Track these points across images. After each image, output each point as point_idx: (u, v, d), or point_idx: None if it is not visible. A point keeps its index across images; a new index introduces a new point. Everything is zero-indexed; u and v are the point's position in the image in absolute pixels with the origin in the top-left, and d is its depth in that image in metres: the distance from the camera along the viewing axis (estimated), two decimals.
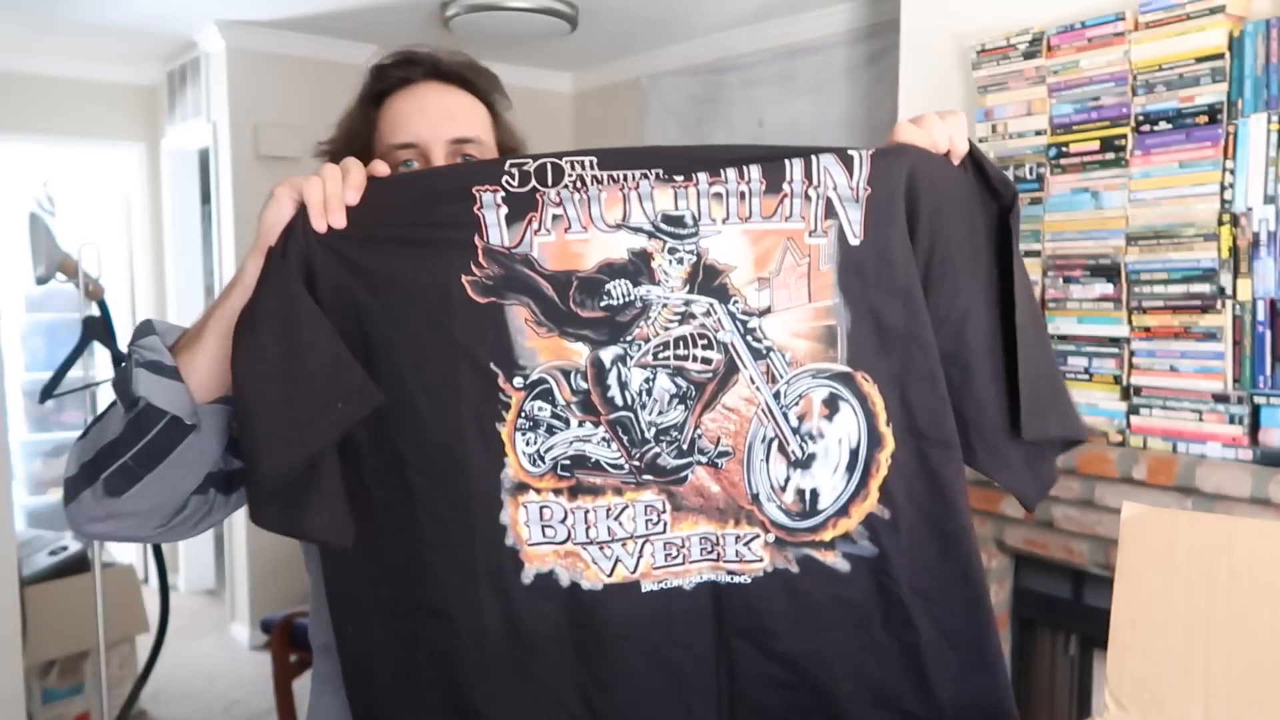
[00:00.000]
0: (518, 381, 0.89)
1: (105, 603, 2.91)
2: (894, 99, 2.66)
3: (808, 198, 0.90)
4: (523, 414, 0.89)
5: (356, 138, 1.13)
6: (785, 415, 0.92)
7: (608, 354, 0.90)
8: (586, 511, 0.90)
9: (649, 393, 0.90)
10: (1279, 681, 1.00)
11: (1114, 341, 2.04)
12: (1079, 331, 2.10)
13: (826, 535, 0.93)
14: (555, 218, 0.88)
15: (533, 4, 3.39)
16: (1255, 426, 1.83)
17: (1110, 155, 2.04)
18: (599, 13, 3.56)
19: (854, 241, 0.91)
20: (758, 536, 0.92)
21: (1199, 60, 1.89)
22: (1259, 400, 1.83)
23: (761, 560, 0.93)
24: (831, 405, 0.92)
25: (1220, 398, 1.86)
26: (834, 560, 0.93)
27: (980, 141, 2.29)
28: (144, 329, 0.92)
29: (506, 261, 0.88)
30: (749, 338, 0.91)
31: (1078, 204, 2.10)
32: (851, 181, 0.91)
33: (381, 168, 0.90)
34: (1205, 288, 1.89)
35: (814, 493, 0.92)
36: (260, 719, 3.41)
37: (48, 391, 2.86)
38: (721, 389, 0.91)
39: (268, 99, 3.92)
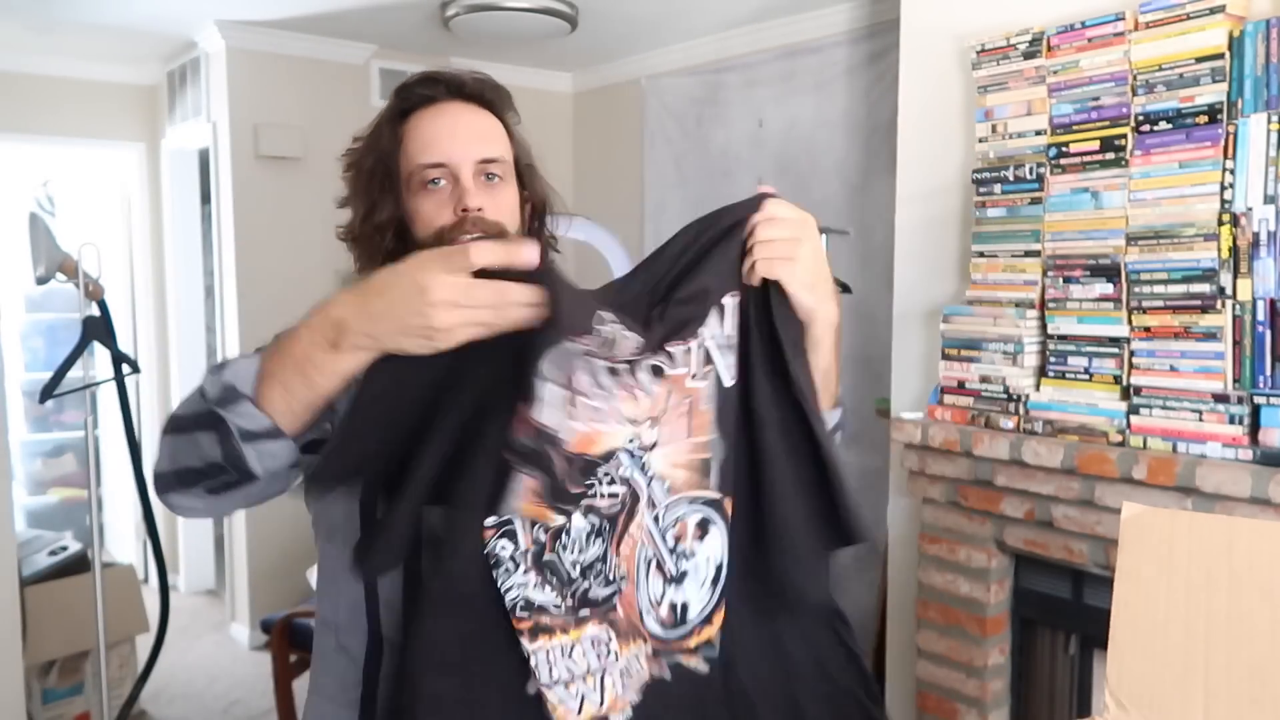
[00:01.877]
0: (489, 520, 0.91)
1: (105, 603, 2.91)
2: (894, 99, 2.66)
3: (690, 348, 0.99)
4: (488, 549, 0.91)
5: (382, 154, 1.16)
6: (664, 536, 0.99)
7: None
8: (546, 652, 0.93)
9: (568, 533, 0.94)
10: (1279, 681, 1.00)
11: (1114, 341, 2.04)
12: (1079, 331, 2.10)
13: (692, 642, 1.01)
14: (594, 410, 0.92)
15: (533, 4, 3.39)
16: (1255, 426, 1.83)
17: (1110, 155, 2.04)
18: (599, 13, 3.56)
19: (728, 384, 1.00)
20: (643, 650, 0.99)
21: (1199, 60, 1.89)
22: (1259, 400, 1.83)
23: (643, 671, 0.98)
24: (703, 527, 1.01)
25: (1220, 398, 1.86)
26: (695, 664, 1.01)
27: (980, 142, 2.29)
28: (230, 394, 0.89)
29: (539, 440, 0.90)
30: (641, 470, 0.97)
31: (1078, 204, 2.10)
32: (723, 330, 1.00)
33: (526, 254, 0.83)
34: (1205, 288, 1.89)
35: (684, 606, 1.00)
36: (260, 719, 3.41)
37: (48, 391, 2.86)
38: (630, 519, 0.97)
39: (268, 99, 3.92)
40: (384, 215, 1.13)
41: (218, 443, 0.89)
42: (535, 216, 1.23)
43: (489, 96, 1.20)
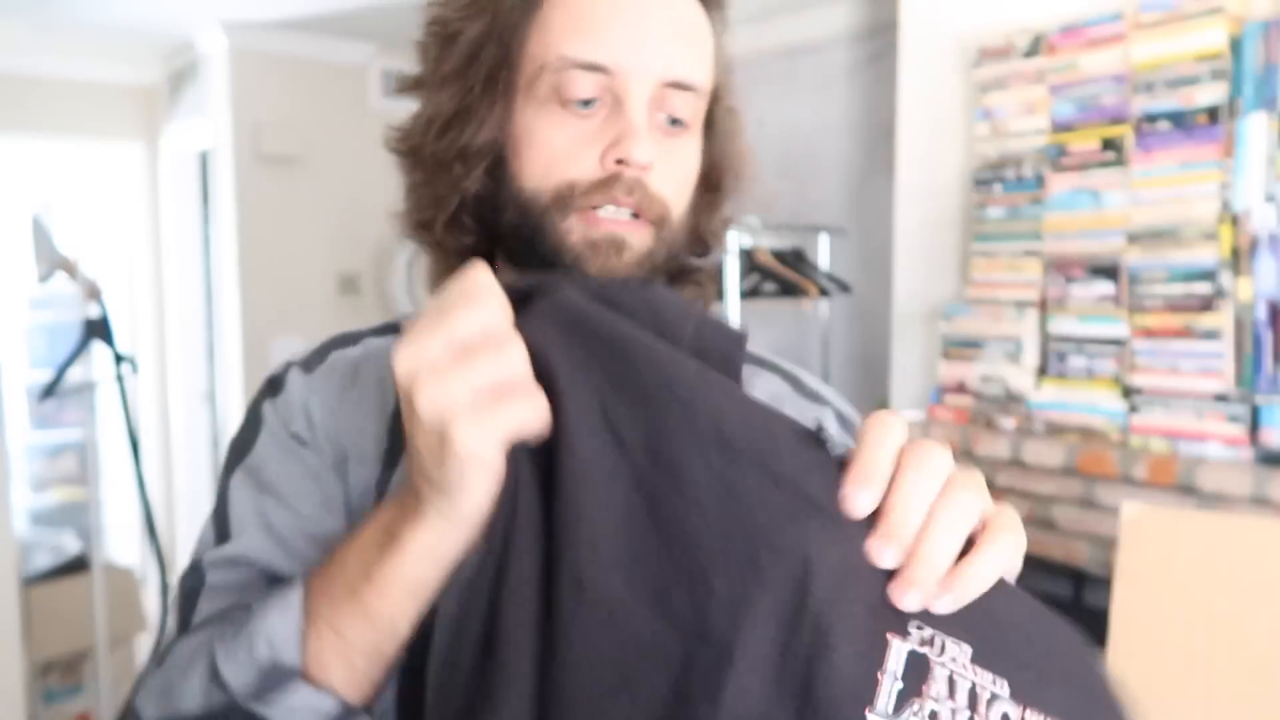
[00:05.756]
0: None
1: (105, 603, 2.91)
2: (894, 99, 2.66)
3: None
4: None
5: (500, 24, 0.65)
6: None
7: None
8: None
9: None
10: (1279, 681, 1.00)
11: (1114, 341, 2.04)
12: (1079, 331, 2.10)
13: None
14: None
15: None
16: (1255, 426, 1.83)
17: (1111, 155, 2.04)
18: None
19: None
20: None
21: (1199, 60, 1.89)
22: (1259, 400, 1.83)
23: None
24: None
25: (1220, 398, 1.86)
26: None
27: (980, 142, 2.29)
28: (273, 677, 0.51)
29: None
30: None
31: (1078, 204, 2.10)
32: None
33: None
34: (1205, 288, 1.89)
35: None
36: None
37: (48, 391, 2.86)
38: None
39: (268, 99, 3.91)
40: (477, 131, 0.65)
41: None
42: (706, 213, 0.70)
43: None
